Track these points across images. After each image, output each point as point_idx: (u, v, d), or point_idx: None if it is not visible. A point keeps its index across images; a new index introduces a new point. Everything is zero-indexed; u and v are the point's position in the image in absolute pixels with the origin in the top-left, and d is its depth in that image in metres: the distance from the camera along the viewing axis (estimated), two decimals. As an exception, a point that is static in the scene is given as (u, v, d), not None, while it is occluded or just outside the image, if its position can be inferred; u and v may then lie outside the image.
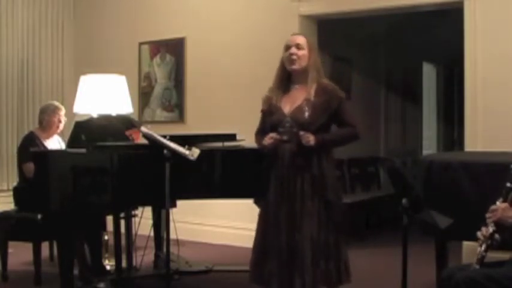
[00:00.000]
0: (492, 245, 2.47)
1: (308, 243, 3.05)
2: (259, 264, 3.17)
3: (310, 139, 3.05)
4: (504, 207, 2.46)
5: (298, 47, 3.19)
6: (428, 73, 9.45)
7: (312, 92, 3.14)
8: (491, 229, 2.46)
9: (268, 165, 3.20)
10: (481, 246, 2.49)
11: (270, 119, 3.21)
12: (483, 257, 2.48)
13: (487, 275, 2.39)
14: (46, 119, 4.83)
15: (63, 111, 4.90)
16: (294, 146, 3.10)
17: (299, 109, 3.12)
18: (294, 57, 3.18)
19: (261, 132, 3.32)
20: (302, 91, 3.17)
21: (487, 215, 2.50)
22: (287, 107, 3.17)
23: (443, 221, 2.61)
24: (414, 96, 8.90)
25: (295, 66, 3.19)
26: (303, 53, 3.19)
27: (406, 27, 7.35)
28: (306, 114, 3.09)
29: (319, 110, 3.11)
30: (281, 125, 3.14)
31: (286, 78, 3.25)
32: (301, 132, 3.06)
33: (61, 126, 4.90)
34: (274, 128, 3.17)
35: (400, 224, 2.63)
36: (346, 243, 3.24)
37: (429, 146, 9.39)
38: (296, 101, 3.16)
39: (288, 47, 3.22)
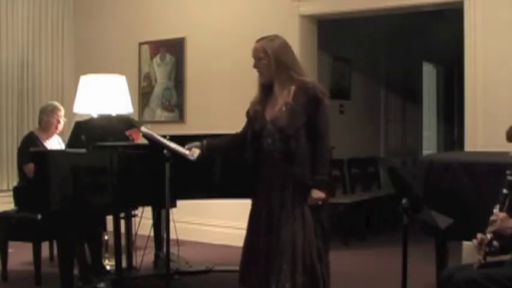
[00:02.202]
0: (490, 252, 2.47)
1: (289, 248, 2.96)
2: (245, 267, 3.13)
3: (319, 198, 3.00)
4: (502, 218, 2.44)
5: (257, 59, 3.10)
6: (428, 73, 9.45)
7: (291, 94, 3.06)
8: (489, 236, 2.45)
9: (253, 169, 3.15)
10: (479, 254, 2.48)
11: (253, 127, 3.15)
12: (482, 265, 2.47)
13: (487, 275, 2.39)
14: (45, 120, 4.83)
15: (62, 112, 4.90)
16: (277, 151, 3.05)
17: (278, 114, 3.06)
18: (258, 71, 3.12)
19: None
20: (283, 95, 3.08)
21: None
22: (269, 113, 3.11)
23: (443, 221, 2.61)
24: (414, 96, 8.90)
25: (263, 80, 3.12)
26: (262, 63, 3.08)
27: (406, 27, 7.35)
28: (284, 119, 3.03)
29: (296, 113, 3.03)
30: (265, 130, 3.08)
31: (269, 84, 3.14)
32: (311, 201, 3.00)
33: (60, 126, 4.90)
34: (256, 136, 3.12)
35: (400, 224, 2.63)
36: (328, 251, 3.12)
37: (429, 146, 9.39)
38: (276, 105, 3.09)
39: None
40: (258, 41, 3.15)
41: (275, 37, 3.15)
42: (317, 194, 3.01)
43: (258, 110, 3.14)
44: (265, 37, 3.15)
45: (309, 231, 3.01)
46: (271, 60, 3.07)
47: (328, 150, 3.10)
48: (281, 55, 3.09)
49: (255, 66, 3.12)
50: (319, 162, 3.04)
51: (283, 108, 3.05)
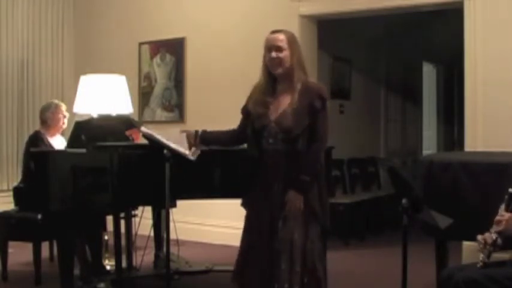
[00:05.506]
0: (494, 250, 2.47)
1: (287, 248, 2.94)
2: (242, 266, 3.10)
3: (296, 205, 2.94)
4: (508, 218, 2.44)
5: (279, 49, 2.99)
6: (428, 73, 9.45)
7: (296, 95, 2.99)
8: (494, 237, 2.45)
9: (254, 170, 3.11)
10: (482, 252, 2.48)
11: (253, 124, 3.09)
12: (485, 264, 2.47)
13: (488, 275, 2.39)
14: (51, 117, 4.81)
15: (64, 107, 4.91)
16: (279, 152, 3.01)
17: (283, 115, 3.00)
18: (276, 61, 3.00)
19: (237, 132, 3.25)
20: (287, 95, 3.03)
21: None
22: (273, 112, 3.04)
23: (443, 221, 2.61)
24: (414, 96, 8.90)
25: (279, 71, 3.01)
26: (285, 54, 2.99)
27: (406, 27, 7.35)
28: (290, 119, 2.97)
29: (302, 114, 2.98)
30: (266, 130, 3.03)
31: (273, 80, 3.08)
32: (290, 206, 2.94)
33: (65, 121, 4.90)
34: (258, 133, 3.07)
35: (400, 224, 2.63)
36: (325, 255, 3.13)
37: (429, 146, 9.38)
38: (281, 105, 3.03)
39: (268, 50, 3.02)
40: (274, 32, 3.06)
41: (291, 32, 3.09)
42: (296, 197, 2.94)
43: (260, 108, 3.07)
44: (281, 30, 3.07)
45: (311, 232, 2.99)
46: (294, 53, 3.00)
47: (322, 153, 3.05)
48: (300, 51, 3.05)
49: (272, 57, 3.00)
50: (309, 163, 2.99)
51: (289, 109, 2.99)
